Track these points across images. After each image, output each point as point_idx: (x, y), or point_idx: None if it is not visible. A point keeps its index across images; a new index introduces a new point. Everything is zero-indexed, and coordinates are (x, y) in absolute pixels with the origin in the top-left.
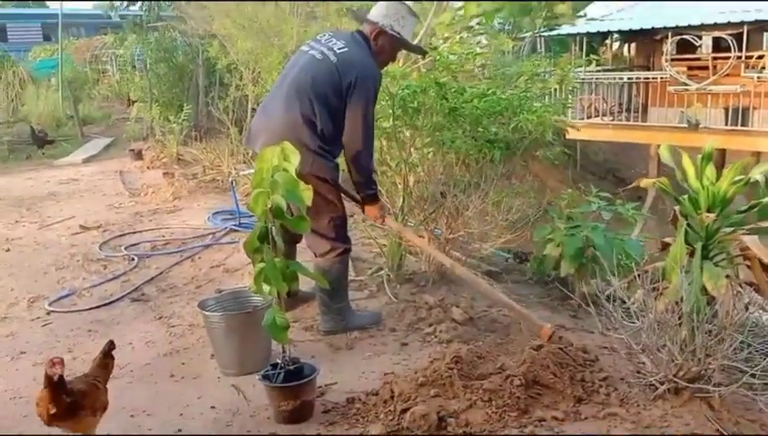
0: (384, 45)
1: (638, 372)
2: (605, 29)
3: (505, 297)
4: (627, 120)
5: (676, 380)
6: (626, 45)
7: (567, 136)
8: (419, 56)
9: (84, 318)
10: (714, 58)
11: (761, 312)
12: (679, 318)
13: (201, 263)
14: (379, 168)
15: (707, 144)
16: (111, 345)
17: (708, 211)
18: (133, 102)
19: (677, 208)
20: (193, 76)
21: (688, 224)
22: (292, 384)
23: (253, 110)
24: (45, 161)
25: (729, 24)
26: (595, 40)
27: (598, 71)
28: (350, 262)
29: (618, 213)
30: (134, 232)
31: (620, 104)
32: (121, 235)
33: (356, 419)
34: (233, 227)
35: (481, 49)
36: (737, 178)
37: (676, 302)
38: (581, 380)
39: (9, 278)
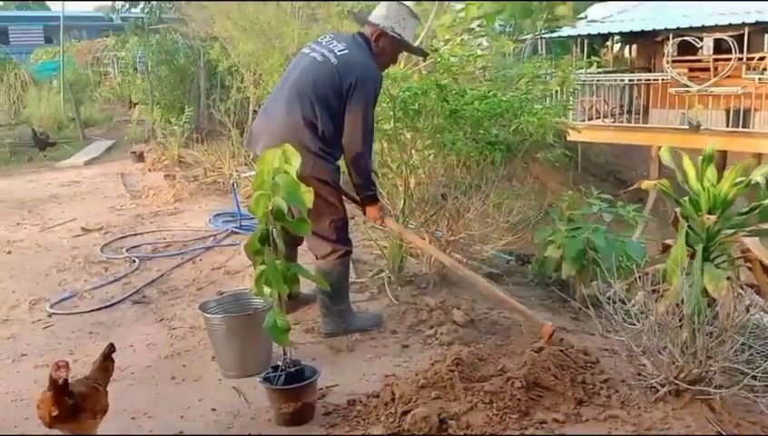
0: (385, 47)
1: (639, 374)
2: (605, 31)
3: (506, 295)
4: (628, 122)
5: (677, 382)
6: (627, 47)
7: (568, 138)
8: (420, 58)
9: (86, 320)
10: (716, 60)
11: (762, 313)
12: (680, 320)
13: (202, 266)
14: (380, 170)
15: (708, 146)
16: (111, 348)
17: (709, 213)
18: (135, 104)
19: (678, 210)
20: (195, 79)
21: (689, 226)
22: (293, 386)
23: (255, 112)
24: (47, 163)
25: (730, 26)
26: (597, 42)
27: (599, 73)
28: (351, 265)
29: (619, 214)
30: (136, 235)
31: (621, 106)
32: (122, 237)
33: (357, 421)
34: (234, 229)
35: (482, 51)
36: (738, 180)
37: (677, 304)
38: (582, 382)
39: (10, 280)
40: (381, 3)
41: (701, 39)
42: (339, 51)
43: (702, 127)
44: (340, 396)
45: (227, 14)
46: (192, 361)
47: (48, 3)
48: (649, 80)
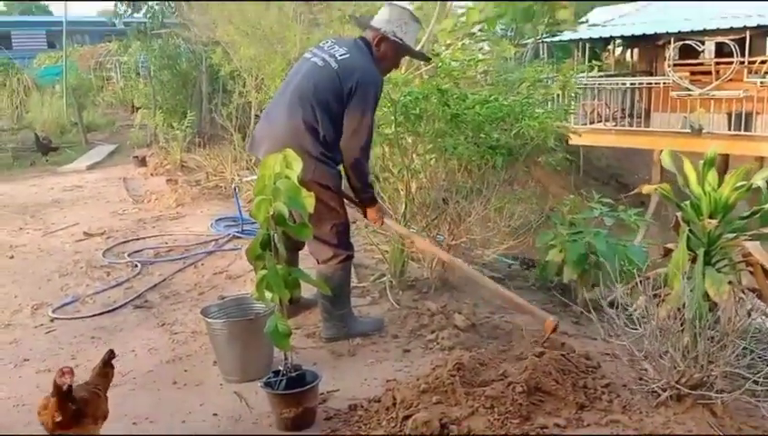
0: (386, 52)
1: (640, 379)
2: (607, 35)
3: (506, 291)
4: (630, 125)
5: (679, 386)
6: (629, 51)
7: (570, 142)
8: (422, 63)
9: (88, 325)
10: (717, 63)
11: (763, 318)
12: (681, 324)
13: (203, 270)
14: (381, 174)
15: (709, 150)
16: (111, 354)
17: (710, 217)
18: (137, 108)
19: (679, 214)
20: (197, 83)
21: (690, 230)
22: (294, 391)
23: (257, 116)
24: (49, 168)
25: (731, 30)
26: (598, 45)
27: (601, 76)
28: (353, 269)
29: (620, 219)
30: (138, 239)
31: (623, 110)
32: (124, 242)
33: (358, 426)
34: (236, 234)
35: (483, 55)
36: (739, 184)
37: (678, 309)
38: (583, 386)
39: (13, 285)
40: (383, 7)
41: (702, 43)
42: (340, 55)
43: (704, 131)
44: (342, 401)
45: (229, 19)
46: (193, 365)
47: (51, 3)
48: (651, 83)
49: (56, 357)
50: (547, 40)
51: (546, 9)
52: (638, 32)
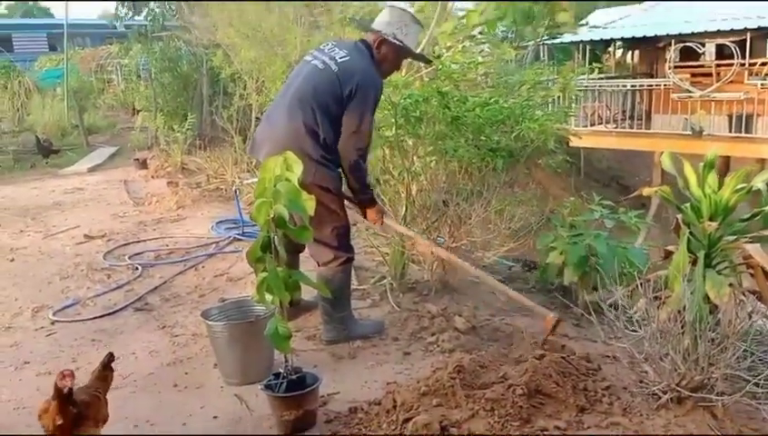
0: (387, 54)
1: (641, 381)
2: (608, 37)
3: (506, 287)
4: (631, 127)
5: (679, 389)
6: (630, 53)
7: (571, 144)
8: (422, 65)
9: (88, 327)
10: (718, 65)
11: (764, 320)
12: (682, 327)
13: (204, 272)
14: (382, 177)
15: (709, 152)
16: (110, 357)
17: (710, 219)
18: (138, 111)
19: (680, 216)
20: (197, 86)
21: (691, 233)
22: (295, 394)
23: (257, 119)
24: (50, 170)
25: (732, 32)
26: (599, 48)
27: (601, 78)
28: (353, 271)
29: (621, 221)
30: (138, 242)
31: (623, 112)
32: (125, 244)
33: (358, 428)
34: (237, 236)
35: (483, 58)
36: (739, 186)
37: (679, 311)
38: (584, 389)
39: (13, 288)
40: (384, 9)
41: (703, 45)
42: (340, 58)
43: (704, 133)
44: (342, 403)
45: (229, 22)
46: (194, 368)
47: (53, 6)
48: (651, 86)
49: (57, 360)
50: (548, 42)
51: (546, 11)
52: (639, 34)
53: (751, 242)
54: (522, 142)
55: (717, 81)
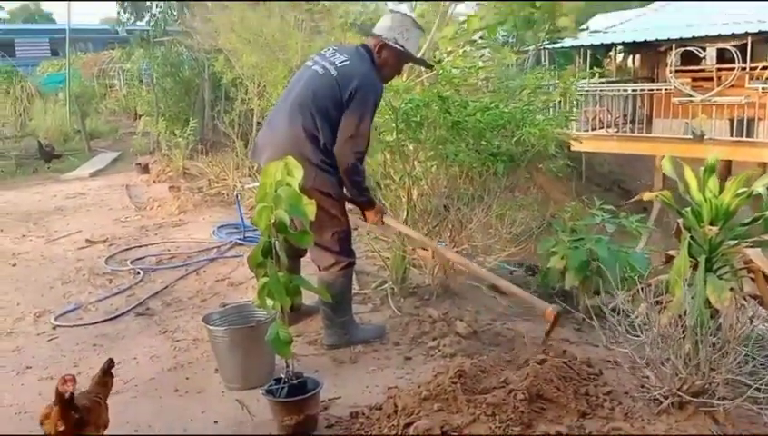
0: (388, 59)
1: (642, 386)
2: (609, 41)
3: (506, 282)
4: (632, 131)
5: (680, 394)
6: (631, 57)
7: (572, 148)
8: (423, 70)
9: (90, 332)
10: (719, 69)
11: (765, 324)
12: (683, 331)
13: (205, 277)
14: (383, 181)
15: (710, 156)
16: (110, 363)
17: (711, 224)
18: (140, 116)
19: (680, 221)
20: (199, 90)
21: (691, 237)
22: (296, 399)
23: (259, 123)
24: (52, 175)
25: (733, 36)
26: (600, 52)
27: (602, 83)
28: (354, 276)
29: (622, 225)
30: (140, 246)
31: (624, 116)
32: (126, 249)
33: (359, 433)
34: (238, 241)
35: (484, 63)
36: (740, 190)
37: (680, 316)
38: (585, 394)
39: (15, 292)
40: (385, 14)
41: (704, 49)
42: (340, 63)
43: (705, 137)
44: (343, 408)
45: (231, 27)
46: (195, 373)
47: (55, 11)
48: (652, 90)
49: (58, 364)
50: (549, 47)
51: (546, 16)
52: (640, 38)
53: (752, 247)
54: (523, 146)
55: (718, 85)
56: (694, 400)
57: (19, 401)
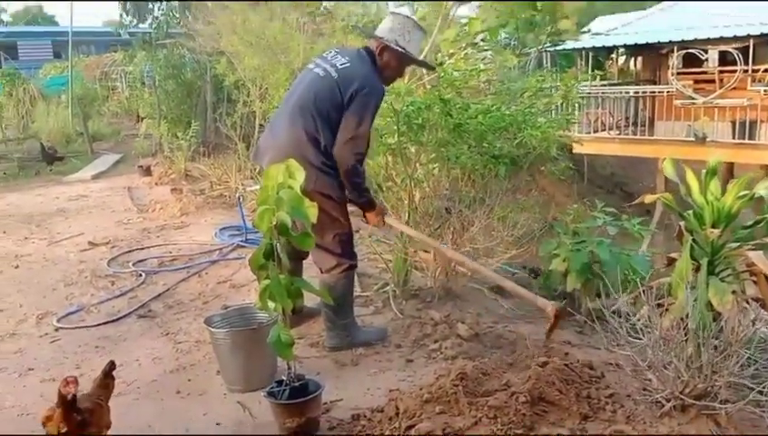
0: (389, 61)
1: (644, 389)
2: (610, 44)
3: (506, 280)
4: (634, 134)
5: (683, 397)
6: (632, 59)
7: (574, 150)
8: (425, 72)
9: (92, 334)
10: (721, 72)
11: (767, 327)
12: (685, 334)
13: (207, 279)
14: (385, 184)
15: (711, 159)
16: (111, 365)
17: (713, 226)
18: (142, 118)
19: (682, 224)
20: (201, 93)
21: (693, 240)
22: (297, 401)
23: (261, 126)
24: (55, 177)
25: (735, 38)
26: (601, 54)
27: (604, 85)
28: (356, 278)
29: (624, 228)
30: (142, 249)
31: (626, 118)
32: (129, 251)
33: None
34: (240, 243)
35: (486, 65)
36: (742, 193)
37: (682, 319)
38: (587, 396)
39: (18, 294)
40: (387, 16)
41: (706, 51)
42: (341, 65)
43: (708, 139)
44: (345, 410)
45: (233, 30)
46: (197, 375)
47: (58, 14)
48: (654, 92)
49: (61, 366)
50: (550, 49)
51: (548, 19)
52: (641, 41)
53: (754, 250)
54: (524, 149)
55: (720, 87)
56: (697, 403)
57: (21, 402)
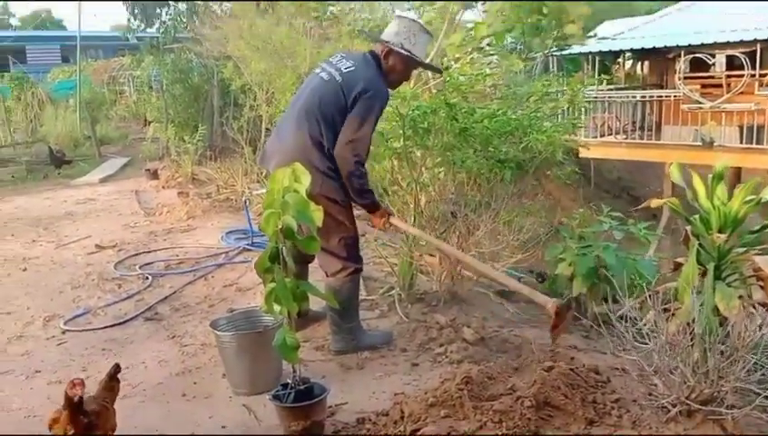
0: (395, 64)
1: (650, 394)
2: (617, 48)
3: (507, 278)
4: (641, 138)
5: (689, 402)
6: (639, 64)
7: (581, 155)
8: (431, 76)
9: (99, 337)
10: (728, 76)
11: None
12: (691, 339)
13: (214, 282)
14: (390, 188)
15: (718, 164)
16: (116, 368)
17: (719, 231)
18: (150, 122)
19: (689, 228)
20: (208, 97)
21: (700, 244)
22: (303, 404)
23: (267, 130)
24: (63, 181)
25: (742, 43)
26: (608, 59)
27: (611, 89)
28: (362, 282)
29: (630, 232)
30: (149, 252)
31: (633, 123)
32: (136, 254)
33: None
34: (246, 246)
35: (492, 69)
36: (749, 198)
37: (688, 324)
38: (592, 401)
39: (26, 297)
40: (393, 20)
41: (713, 56)
42: (346, 69)
43: (715, 144)
44: (350, 414)
45: (240, 34)
46: (202, 378)
47: (66, 18)
48: (661, 96)
49: (67, 369)
50: (557, 53)
51: (554, 23)
52: (648, 45)
53: (761, 255)
54: (530, 153)
55: (728, 92)
56: (703, 408)
57: (28, 404)
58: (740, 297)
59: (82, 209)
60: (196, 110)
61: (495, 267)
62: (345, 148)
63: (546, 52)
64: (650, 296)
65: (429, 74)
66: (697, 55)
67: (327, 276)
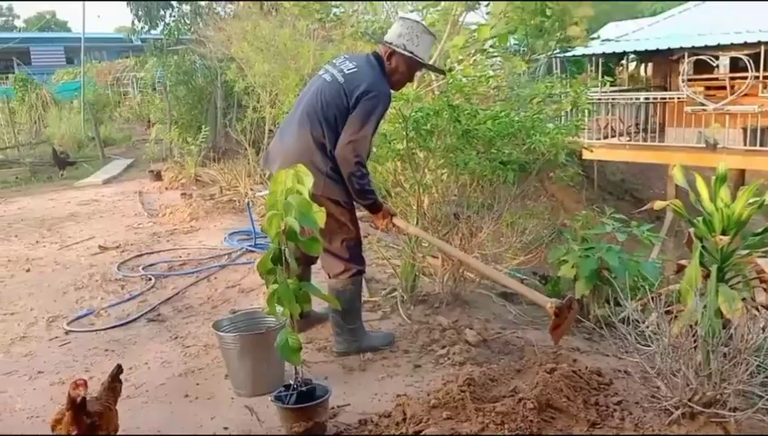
0: (398, 65)
1: (653, 397)
2: (620, 50)
3: (507, 278)
4: (644, 140)
5: (691, 404)
6: (643, 66)
7: (585, 156)
8: (434, 78)
9: (102, 338)
10: (732, 78)
11: None
12: (694, 341)
13: (216, 284)
14: (393, 189)
15: (720, 166)
16: (119, 369)
17: (723, 233)
18: (153, 123)
19: (692, 230)
20: (212, 98)
21: (703, 247)
22: (305, 406)
23: (270, 131)
24: (66, 182)
25: (746, 45)
26: (612, 60)
27: (614, 91)
28: (364, 283)
29: (634, 234)
30: (152, 253)
31: (637, 125)
32: (139, 255)
33: None
34: (249, 248)
35: (495, 71)
36: (752, 200)
37: (691, 326)
38: (595, 403)
39: (29, 298)
40: (396, 21)
41: (717, 57)
42: (348, 70)
43: (719, 146)
44: (352, 415)
45: (243, 36)
46: (205, 379)
47: (70, 20)
48: (665, 98)
49: (70, 369)
50: (560, 55)
51: (557, 25)
52: (651, 47)
53: (764, 257)
54: (533, 155)
55: (731, 94)
56: (705, 410)
57: (31, 405)
58: (743, 299)
59: (85, 210)
60: (200, 111)
61: (497, 269)
62: (345, 148)
63: (550, 53)
64: (653, 298)
65: (433, 75)
66: (701, 57)
67: (329, 278)
